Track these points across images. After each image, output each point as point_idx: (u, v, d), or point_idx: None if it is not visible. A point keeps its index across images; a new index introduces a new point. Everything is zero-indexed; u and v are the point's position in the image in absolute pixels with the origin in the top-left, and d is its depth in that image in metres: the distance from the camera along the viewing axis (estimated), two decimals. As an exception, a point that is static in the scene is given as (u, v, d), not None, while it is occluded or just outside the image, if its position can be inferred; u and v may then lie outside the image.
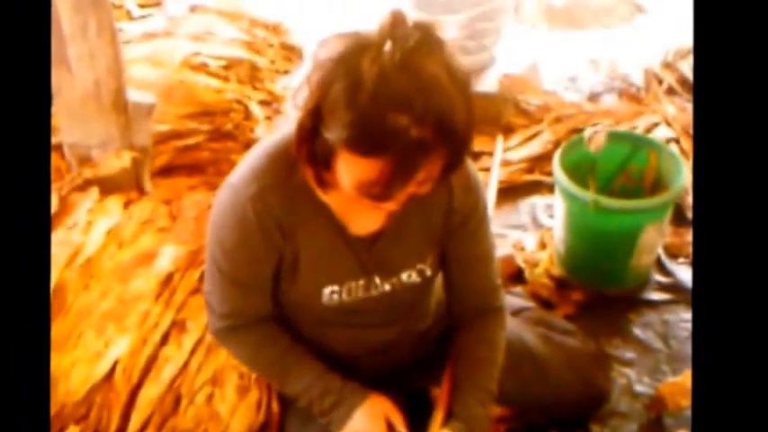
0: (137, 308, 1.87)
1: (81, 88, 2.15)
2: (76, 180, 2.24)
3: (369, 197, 1.13)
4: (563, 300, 2.21)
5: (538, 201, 2.67)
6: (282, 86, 3.28)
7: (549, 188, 2.53)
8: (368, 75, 1.03)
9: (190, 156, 2.67)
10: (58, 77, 2.09)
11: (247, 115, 2.94)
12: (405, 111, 1.02)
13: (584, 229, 2.19)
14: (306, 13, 3.83)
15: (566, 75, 3.37)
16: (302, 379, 1.40)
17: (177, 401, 1.73)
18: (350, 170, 1.11)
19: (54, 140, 2.24)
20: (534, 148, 2.84)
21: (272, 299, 1.41)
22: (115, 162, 2.26)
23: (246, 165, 1.30)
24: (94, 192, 2.22)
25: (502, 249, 2.35)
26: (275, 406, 1.71)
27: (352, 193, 1.14)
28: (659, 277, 2.32)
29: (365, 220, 1.31)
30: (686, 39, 3.39)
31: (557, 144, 2.68)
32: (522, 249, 2.42)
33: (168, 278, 1.96)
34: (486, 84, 3.07)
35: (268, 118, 3.03)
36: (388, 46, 1.04)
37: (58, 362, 1.74)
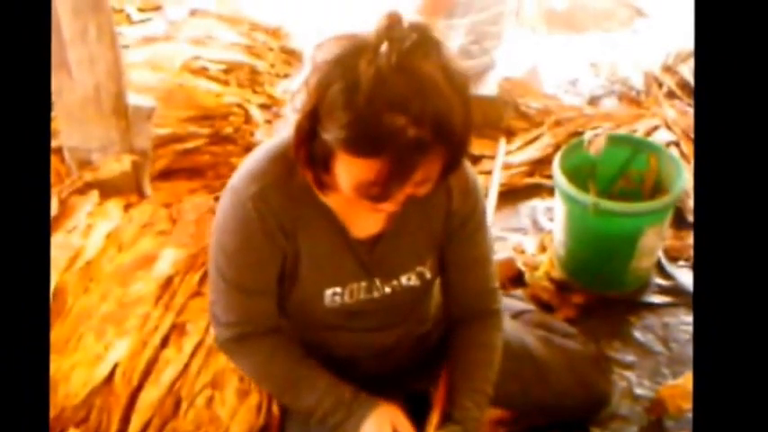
0: (136, 311, 1.87)
1: (81, 92, 2.15)
2: (76, 183, 2.25)
3: (367, 198, 1.13)
4: (563, 303, 2.21)
5: (538, 204, 2.67)
6: (282, 90, 3.27)
7: (550, 191, 2.53)
8: (364, 76, 1.03)
9: (190, 159, 2.67)
10: (58, 81, 2.09)
11: (247, 119, 2.94)
12: (401, 111, 1.02)
13: (585, 233, 2.19)
14: (306, 16, 3.83)
15: (566, 78, 3.37)
16: (313, 392, 1.37)
17: (177, 404, 1.72)
18: (348, 171, 1.11)
19: (54, 144, 2.24)
20: (534, 151, 2.85)
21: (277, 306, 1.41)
22: (115, 165, 2.27)
23: (247, 167, 1.30)
24: (94, 195, 2.22)
25: (502, 252, 2.35)
26: (275, 409, 1.71)
27: (351, 195, 1.15)
28: (660, 280, 2.31)
29: (365, 222, 1.31)
30: (686, 42, 3.39)
31: (557, 147, 2.68)
32: (523, 252, 2.42)
33: (168, 281, 1.96)
34: (487, 87, 3.06)
35: (268, 122, 3.03)
36: (384, 47, 1.04)
37: (57, 365, 1.73)
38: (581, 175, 2.20)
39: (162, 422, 1.69)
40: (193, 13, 3.61)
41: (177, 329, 1.86)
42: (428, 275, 1.42)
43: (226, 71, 3.17)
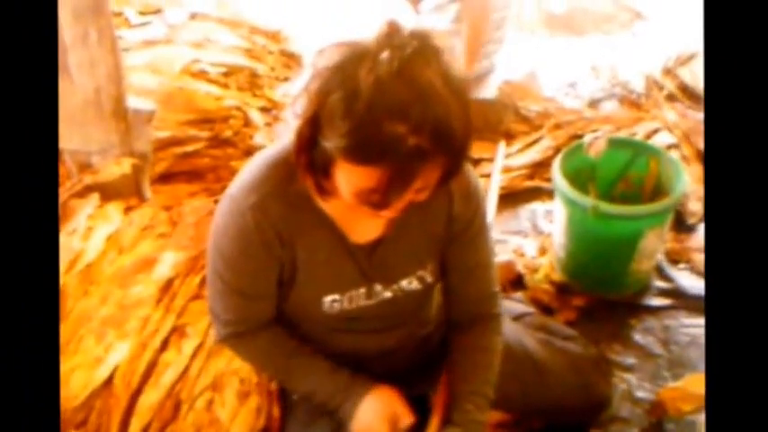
0: (137, 313, 1.87)
1: (81, 95, 2.15)
2: (77, 186, 2.25)
3: (367, 205, 1.13)
4: (563, 305, 2.21)
5: (538, 207, 2.67)
6: (282, 93, 3.28)
7: (550, 194, 2.53)
8: (364, 84, 1.03)
9: (189, 162, 2.67)
10: (58, 85, 2.09)
11: (247, 122, 2.94)
12: (401, 119, 1.02)
13: (585, 235, 2.19)
14: (305, 20, 3.84)
15: (566, 81, 3.37)
16: (312, 378, 1.42)
17: (177, 407, 1.72)
18: (348, 178, 1.11)
19: (55, 147, 2.24)
20: (534, 154, 2.85)
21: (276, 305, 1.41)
22: (115, 168, 2.27)
23: (246, 175, 1.30)
24: (95, 198, 2.23)
25: (502, 255, 2.35)
26: (276, 411, 1.71)
27: (351, 201, 1.14)
28: (660, 283, 2.31)
29: (365, 227, 1.31)
30: (686, 45, 3.40)
31: (557, 150, 2.68)
32: (523, 255, 2.42)
33: (168, 284, 1.96)
34: (487, 90, 3.06)
35: (268, 125, 3.04)
36: (384, 55, 1.04)
37: (57, 368, 1.73)
38: (581, 178, 2.20)
39: (162, 425, 1.69)
40: (193, 16, 3.62)
41: (177, 332, 1.87)
42: (429, 279, 1.42)
43: (226, 74, 3.17)
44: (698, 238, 2.45)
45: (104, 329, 1.83)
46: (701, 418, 1.71)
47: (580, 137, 2.51)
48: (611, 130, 2.83)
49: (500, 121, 2.98)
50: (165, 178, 2.59)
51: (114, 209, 2.21)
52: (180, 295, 1.93)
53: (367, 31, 1.09)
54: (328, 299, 1.36)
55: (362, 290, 1.37)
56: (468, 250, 1.42)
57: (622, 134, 2.81)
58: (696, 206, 2.53)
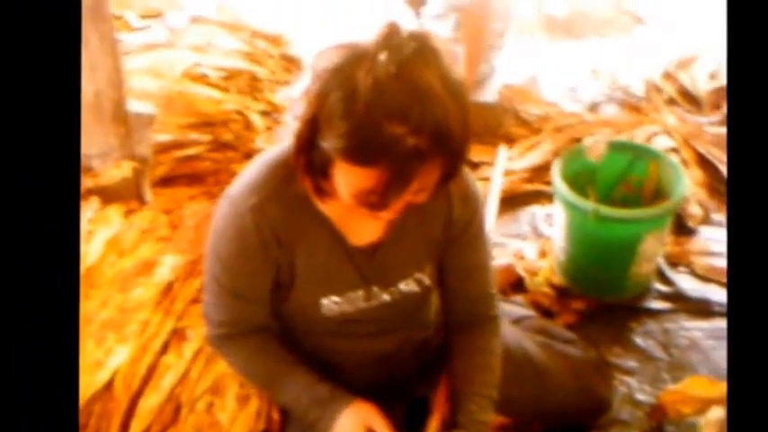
0: (137, 317, 1.87)
1: (82, 99, 2.15)
2: (77, 190, 2.25)
3: (366, 206, 1.13)
4: (563, 309, 2.21)
5: (538, 210, 2.67)
6: (282, 97, 3.29)
7: (549, 198, 2.53)
8: (363, 85, 1.03)
9: (190, 166, 2.68)
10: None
11: (247, 126, 2.95)
12: (400, 120, 1.02)
13: (585, 239, 2.19)
14: (306, 24, 3.85)
15: (566, 85, 3.38)
16: (292, 389, 1.39)
17: (177, 410, 1.72)
18: (347, 179, 1.11)
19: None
20: (534, 158, 2.85)
21: (271, 310, 1.41)
22: (116, 172, 2.27)
23: (245, 177, 1.30)
24: (95, 201, 2.23)
25: (502, 258, 2.35)
26: (275, 415, 1.71)
27: (350, 203, 1.15)
28: (660, 286, 2.31)
29: (364, 229, 1.31)
30: (686, 49, 3.41)
31: (557, 154, 2.69)
32: (523, 258, 2.42)
33: (168, 287, 1.96)
34: (487, 94, 3.07)
35: (268, 128, 3.04)
36: (383, 56, 1.04)
37: (57, 371, 1.73)
38: (581, 181, 2.20)
39: (162, 428, 1.69)
40: (194, 20, 3.63)
41: (177, 335, 1.87)
42: (427, 282, 1.42)
43: (226, 78, 3.18)
44: (698, 241, 2.46)
45: (104, 333, 1.83)
46: (702, 420, 1.71)
47: (580, 140, 2.51)
48: (611, 134, 2.83)
49: (500, 125, 2.99)
50: (166, 182, 2.59)
51: (114, 212, 2.21)
52: (180, 298, 1.93)
53: (367, 35, 1.10)
54: (326, 301, 1.36)
55: (361, 292, 1.37)
56: (465, 252, 1.42)
57: (622, 138, 2.81)
58: (696, 209, 2.54)
